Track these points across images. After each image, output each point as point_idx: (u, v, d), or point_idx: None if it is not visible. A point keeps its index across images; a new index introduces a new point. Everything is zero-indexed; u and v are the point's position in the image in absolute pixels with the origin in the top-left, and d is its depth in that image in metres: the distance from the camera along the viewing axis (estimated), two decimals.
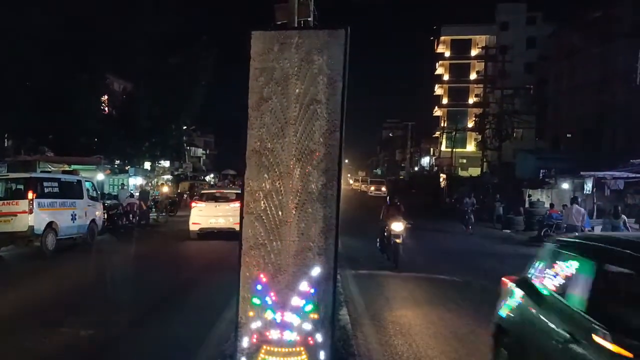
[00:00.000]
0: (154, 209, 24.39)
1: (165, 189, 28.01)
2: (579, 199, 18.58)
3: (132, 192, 23.34)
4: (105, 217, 17.46)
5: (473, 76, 60.09)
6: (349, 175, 78.58)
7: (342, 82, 3.96)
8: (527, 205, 25.95)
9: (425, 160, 71.54)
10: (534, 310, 4.17)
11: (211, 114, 44.45)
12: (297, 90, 3.99)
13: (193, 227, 16.00)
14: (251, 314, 4.00)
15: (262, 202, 4.01)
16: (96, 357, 6.06)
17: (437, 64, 64.31)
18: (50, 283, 10.00)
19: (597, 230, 17.87)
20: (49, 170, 18.22)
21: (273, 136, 4.03)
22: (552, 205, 21.00)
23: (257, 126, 4.05)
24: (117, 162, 26.35)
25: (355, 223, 17.48)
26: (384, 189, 56.28)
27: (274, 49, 4.03)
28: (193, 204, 16.96)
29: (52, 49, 20.08)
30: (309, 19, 4.39)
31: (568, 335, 3.39)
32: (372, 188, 57.46)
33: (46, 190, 13.17)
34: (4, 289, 9.24)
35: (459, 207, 25.59)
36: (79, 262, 12.69)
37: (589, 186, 24.04)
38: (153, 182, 31.04)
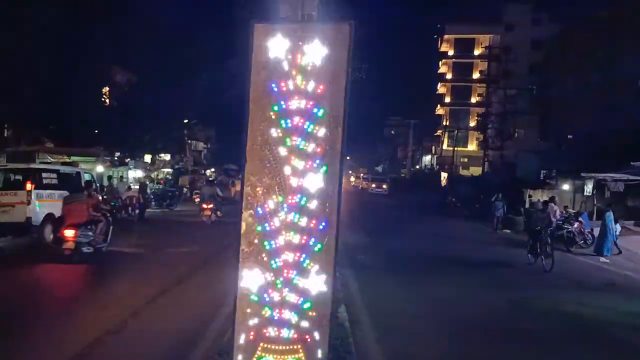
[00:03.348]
0: (153, 203, 24.28)
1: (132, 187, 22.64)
2: (556, 198, 20.60)
3: (131, 184, 23.25)
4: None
5: (476, 75, 60.00)
6: (350, 172, 78.38)
7: (345, 78, 3.88)
8: (527, 205, 25.87)
9: (427, 159, 71.46)
10: None
11: (213, 108, 44.39)
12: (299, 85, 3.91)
13: None
14: (249, 310, 3.94)
15: (262, 197, 3.94)
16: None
17: (440, 62, 64.21)
18: (46, 273, 9.96)
19: (597, 232, 17.89)
20: (49, 161, 18.15)
21: (274, 131, 3.96)
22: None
23: (258, 120, 3.98)
24: (117, 154, 26.25)
25: (356, 220, 17.39)
26: (385, 186, 56.35)
27: (276, 42, 3.95)
28: None
29: (55, 38, 20.00)
30: (313, 12, 4.31)
31: None
32: (373, 185, 57.64)
33: (45, 181, 13.10)
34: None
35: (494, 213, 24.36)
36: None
37: (589, 188, 24.04)
38: (153, 175, 30.94)
